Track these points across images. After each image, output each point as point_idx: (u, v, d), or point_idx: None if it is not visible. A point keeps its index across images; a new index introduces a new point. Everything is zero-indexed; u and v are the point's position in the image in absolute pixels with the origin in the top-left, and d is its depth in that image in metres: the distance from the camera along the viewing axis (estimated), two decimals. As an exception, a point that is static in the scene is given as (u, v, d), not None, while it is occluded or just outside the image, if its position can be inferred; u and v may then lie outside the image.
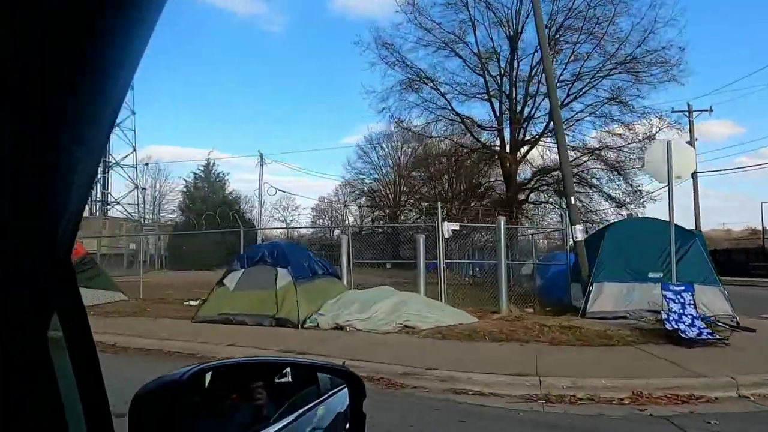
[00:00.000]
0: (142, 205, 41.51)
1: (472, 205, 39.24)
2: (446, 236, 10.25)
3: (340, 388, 1.20)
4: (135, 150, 39.50)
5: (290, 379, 1.16)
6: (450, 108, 18.38)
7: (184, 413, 0.81)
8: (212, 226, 26.39)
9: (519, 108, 17.75)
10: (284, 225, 52.39)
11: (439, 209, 10.56)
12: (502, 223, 9.74)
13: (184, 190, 36.21)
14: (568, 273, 11.09)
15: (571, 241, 10.32)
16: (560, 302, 11.55)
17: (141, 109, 39.90)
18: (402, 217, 49.56)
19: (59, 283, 0.55)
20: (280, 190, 45.10)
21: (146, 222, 38.19)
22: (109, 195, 37.24)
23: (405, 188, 50.03)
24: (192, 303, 12.24)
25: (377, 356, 6.37)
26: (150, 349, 7.64)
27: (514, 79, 17.47)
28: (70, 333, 0.57)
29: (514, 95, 17.72)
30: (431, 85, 18.56)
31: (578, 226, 9.57)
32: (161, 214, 43.69)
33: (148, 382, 0.79)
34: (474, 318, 8.92)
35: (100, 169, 38.80)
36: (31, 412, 0.50)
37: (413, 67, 18.57)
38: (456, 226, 10.75)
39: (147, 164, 40.79)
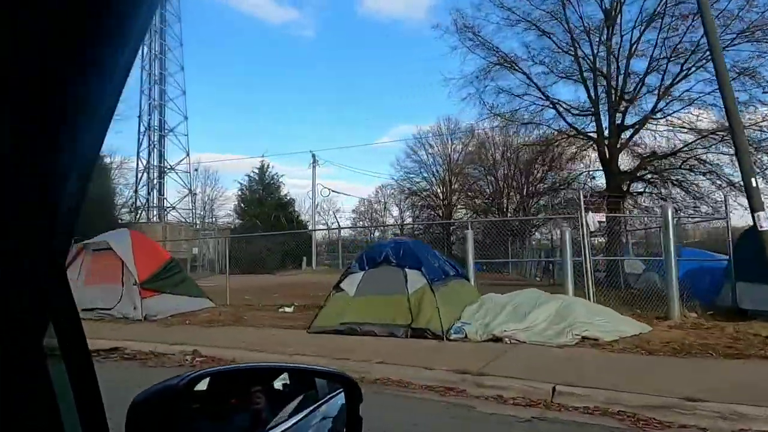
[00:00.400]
0: (194, 211, 41.48)
1: (533, 200, 37.43)
2: (592, 229, 8.75)
3: (336, 392, 1.20)
4: (188, 155, 39.44)
5: (288, 385, 1.18)
6: (540, 92, 16.73)
7: (182, 419, 0.81)
8: (267, 229, 25.44)
9: (619, 88, 15.94)
10: (335, 226, 51.84)
11: (581, 198, 9.04)
12: (670, 212, 8.14)
13: (239, 193, 35.76)
14: (731, 270, 9.35)
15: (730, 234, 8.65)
16: (712, 304, 9.85)
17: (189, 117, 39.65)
18: (456, 215, 48.00)
19: (55, 285, 0.55)
20: (333, 191, 44.35)
21: (200, 226, 38.00)
22: (165, 200, 37.21)
23: (457, 185, 48.46)
24: (287, 309, 11.14)
25: (593, 379, 4.95)
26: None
27: (614, 56, 15.68)
28: (64, 335, 0.57)
29: (613, 74, 15.93)
30: (517, 68, 16.99)
31: (762, 213, 7.86)
32: (210, 219, 43.61)
33: (144, 389, 0.80)
34: (644, 325, 7.37)
35: (155, 174, 39.17)
36: (28, 414, 0.50)
37: (497, 49, 17.04)
38: (601, 217, 9.20)
39: (197, 169, 40.74)
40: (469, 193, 45.02)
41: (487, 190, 42.66)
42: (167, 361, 7.18)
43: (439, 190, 49.87)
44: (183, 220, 38.02)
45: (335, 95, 73.09)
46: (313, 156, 36.66)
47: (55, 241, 0.50)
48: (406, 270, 7.82)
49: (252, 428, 1.03)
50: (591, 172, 17.86)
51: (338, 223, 47.44)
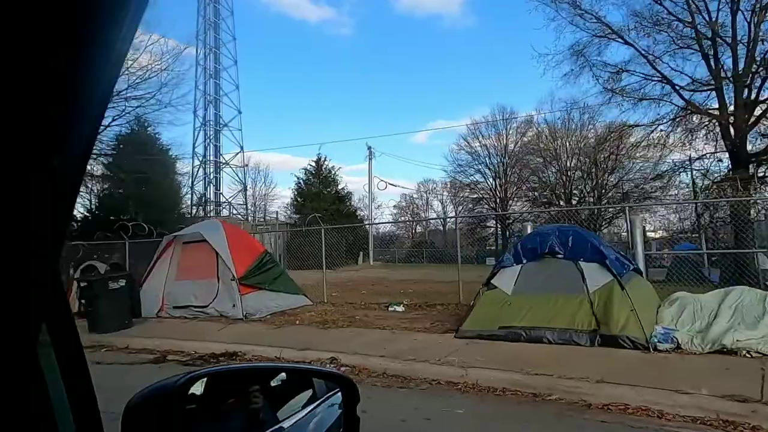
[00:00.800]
0: (245, 206, 41.17)
1: (605, 189, 35.08)
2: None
3: (334, 392, 1.22)
4: (242, 149, 39.07)
5: (285, 384, 1.19)
6: (651, 66, 14.89)
7: (179, 420, 0.81)
8: (326, 223, 24.37)
9: (745, 59, 13.95)
10: (392, 220, 50.76)
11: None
12: None
13: (296, 187, 35.04)
14: None
15: None
16: None
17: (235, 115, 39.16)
18: (513, 208, 45.99)
19: (49, 288, 0.56)
20: (390, 183, 43.17)
21: (254, 221, 37.58)
22: (221, 195, 36.92)
23: (514, 177, 46.43)
24: (398, 308, 9.91)
25: None
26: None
27: (750, 23, 13.70)
28: (58, 336, 0.58)
29: (743, 43, 13.94)
30: (623, 39, 15.19)
31: None
32: (262, 215, 43.26)
33: (140, 390, 0.79)
34: None
35: (211, 170, 38.95)
36: (23, 417, 0.50)
37: (600, 19, 15.29)
38: None
39: (246, 165, 40.35)
40: (533, 184, 42.97)
41: (552, 180, 40.48)
42: (306, 371, 6.01)
43: (494, 183, 48.04)
44: (239, 215, 37.69)
45: (388, 98, 71.95)
46: (369, 149, 35.57)
47: (48, 240, 0.49)
48: (581, 263, 6.40)
49: (250, 428, 1.02)
50: (715, 155, 15.74)
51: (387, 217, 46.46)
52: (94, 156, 22.76)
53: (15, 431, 0.49)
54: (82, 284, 9.30)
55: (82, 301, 9.18)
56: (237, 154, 38.83)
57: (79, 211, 27.05)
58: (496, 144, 46.95)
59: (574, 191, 38.00)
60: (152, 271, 10.84)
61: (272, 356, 6.73)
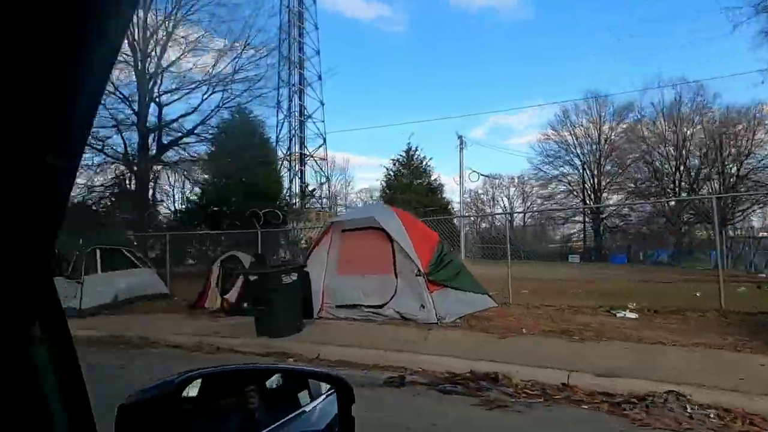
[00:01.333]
0: (330, 199, 40.24)
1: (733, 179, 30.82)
2: None
3: (329, 393, 1.22)
4: (325, 141, 38.00)
5: (280, 385, 1.19)
6: None
7: (174, 422, 0.80)
8: (419, 216, 22.31)
9: None
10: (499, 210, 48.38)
11: None
12: None
13: (384, 178, 33.46)
14: None
15: None
16: None
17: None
18: (609, 201, 42.41)
19: (39, 283, 0.55)
20: (483, 174, 40.80)
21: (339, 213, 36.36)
22: (306, 187, 35.96)
23: (609, 167, 42.67)
24: (627, 314, 7.79)
25: None
26: None
27: None
28: (49, 334, 0.57)
29: None
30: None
31: None
32: (340, 209, 42.09)
33: (135, 391, 0.78)
34: None
35: (297, 164, 38.15)
36: (15, 414, 0.50)
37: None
38: None
39: (325, 159, 39.22)
40: (635, 174, 39.23)
41: (662, 168, 36.60)
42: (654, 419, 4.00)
43: (584, 173, 44.41)
44: (321, 207, 36.68)
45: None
46: (460, 138, 33.28)
47: (44, 238, 0.49)
48: None
49: (245, 429, 1.04)
50: None
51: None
52: (199, 140, 22.05)
53: (10, 427, 0.48)
54: (251, 278, 7.80)
55: (226, 296, 7.77)
56: (320, 146, 37.82)
57: (181, 201, 26.62)
58: (588, 132, 43.37)
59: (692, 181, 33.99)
60: (306, 263, 9.27)
61: (553, 384, 4.83)
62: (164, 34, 21.13)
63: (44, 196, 0.46)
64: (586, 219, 43.95)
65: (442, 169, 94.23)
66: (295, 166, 35.93)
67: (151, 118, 21.49)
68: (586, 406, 4.33)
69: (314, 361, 6.46)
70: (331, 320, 8.50)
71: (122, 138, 20.72)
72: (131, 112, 20.29)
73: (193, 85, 21.50)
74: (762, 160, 29.71)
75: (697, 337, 6.11)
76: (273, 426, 1.06)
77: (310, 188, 35.82)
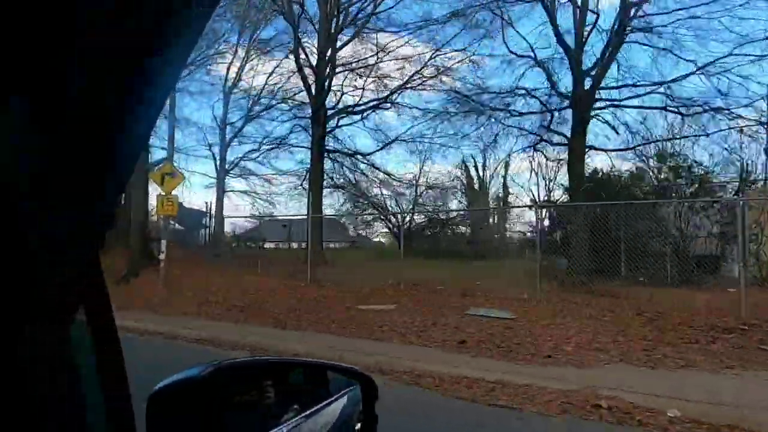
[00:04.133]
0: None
1: None
2: None
3: (352, 388, 1.22)
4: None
5: (302, 379, 1.21)
6: None
7: (205, 410, 0.81)
8: None
9: None
10: None
11: None
12: None
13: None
14: None
15: None
16: None
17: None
18: None
19: (89, 276, 0.58)
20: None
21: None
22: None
23: None
24: None
25: None
26: None
27: None
28: (95, 327, 0.60)
29: None
30: None
31: None
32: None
33: (164, 380, 0.79)
34: None
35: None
36: (54, 405, 0.50)
37: None
38: None
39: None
40: None
41: None
42: None
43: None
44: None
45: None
46: None
47: (93, 230, 0.50)
48: None
49: (266, 421, 1.02)
50: None
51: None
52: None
53: (48, 418, 0.49)
54: None
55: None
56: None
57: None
58: None
59: None
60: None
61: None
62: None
63: (96, 189, 0.46)
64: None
65: None
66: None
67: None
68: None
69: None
70: None
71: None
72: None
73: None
74: None
75: None
76: (294, 418, 1.06)
77: None
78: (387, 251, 19.69)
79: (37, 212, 0.43)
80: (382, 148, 20.71)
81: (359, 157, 21.13)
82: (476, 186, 26.54)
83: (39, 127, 0.40)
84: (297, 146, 21.81)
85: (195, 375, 0.82)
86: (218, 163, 23.67)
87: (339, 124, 19.81)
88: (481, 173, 26.76)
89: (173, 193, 11.96)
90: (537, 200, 23.68)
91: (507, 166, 25.88)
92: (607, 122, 15.41)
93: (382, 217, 23.79)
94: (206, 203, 21.56)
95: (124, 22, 0.39)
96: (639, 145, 15.69)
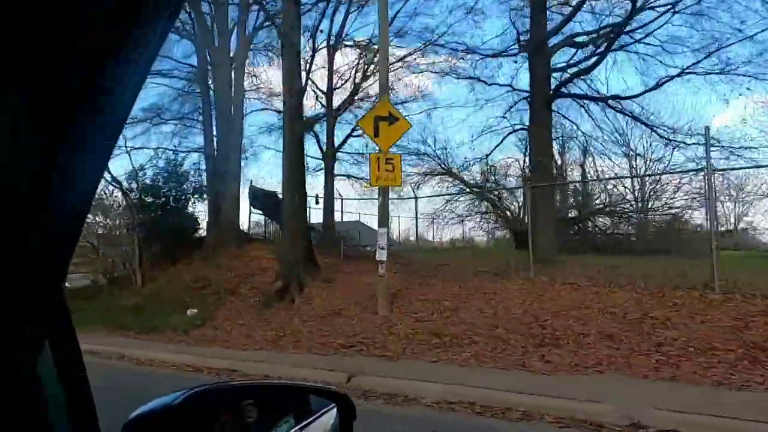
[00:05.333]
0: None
1: None
2: None
3: (329, 408, 1.23)
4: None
5: (280, 401, 1.18)
6: None
7: None
8: None
9: None
10: None
11: None
12: None
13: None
14: None
15: None
16: None
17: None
18: None
19: (54, 289, 0.54)
20: None
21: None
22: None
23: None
24: None
25: None
26: None
27: None
28: (57, 348, 0.57)
29: None
30: None
31: None
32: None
33: (139, 408, 0.78)
34: None
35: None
36: (20, 419, 0.49)
37: None
38: None
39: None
40: None
41: None
42: None
43: None
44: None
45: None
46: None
47: (56, 247, 0.48)
48: None
49: None
50: None
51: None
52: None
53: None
54: None
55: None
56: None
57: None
58: None
59: None
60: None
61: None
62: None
63: (67, 199, 0.46)
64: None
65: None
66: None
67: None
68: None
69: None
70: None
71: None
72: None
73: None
74: None
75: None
76: None
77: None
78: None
79: (37, 212, 0.42)
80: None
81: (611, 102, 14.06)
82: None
83: (39, 127, 0.40)
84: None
85: (168, 403, 0.81)
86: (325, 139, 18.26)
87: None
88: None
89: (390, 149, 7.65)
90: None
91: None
92: None
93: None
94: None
95: (124, 22, 0.39)
96: None
